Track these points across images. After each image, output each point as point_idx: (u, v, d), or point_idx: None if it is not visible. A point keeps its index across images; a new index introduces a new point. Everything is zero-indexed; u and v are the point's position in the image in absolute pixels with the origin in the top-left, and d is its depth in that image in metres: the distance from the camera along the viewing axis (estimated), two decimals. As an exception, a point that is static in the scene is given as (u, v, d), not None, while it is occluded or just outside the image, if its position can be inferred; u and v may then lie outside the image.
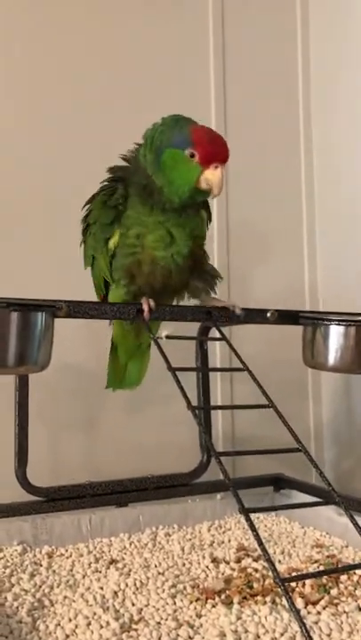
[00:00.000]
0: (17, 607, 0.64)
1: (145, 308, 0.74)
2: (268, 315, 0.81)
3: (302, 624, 0.45)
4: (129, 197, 0.78)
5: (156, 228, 0.77)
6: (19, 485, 0.86)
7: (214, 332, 0.93)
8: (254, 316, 0.82)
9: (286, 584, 0.50)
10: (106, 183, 0.82)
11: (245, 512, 0.53)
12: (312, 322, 0.81)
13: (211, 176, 0.73)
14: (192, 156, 0.73)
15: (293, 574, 0.70)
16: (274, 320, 0.81)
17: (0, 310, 0.59)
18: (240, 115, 1.30)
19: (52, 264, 1.06)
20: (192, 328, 0.91)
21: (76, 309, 0.71)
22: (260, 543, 0.51)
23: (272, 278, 1.30)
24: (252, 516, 0.93)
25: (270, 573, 0.72)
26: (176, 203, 0.76)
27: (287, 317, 0.84)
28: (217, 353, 1.21)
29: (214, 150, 0.73)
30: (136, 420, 1.14)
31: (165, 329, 0.77)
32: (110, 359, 0.91)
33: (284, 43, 1.38)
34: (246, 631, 0.58)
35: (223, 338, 0.76)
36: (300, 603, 0.64)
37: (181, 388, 0.65)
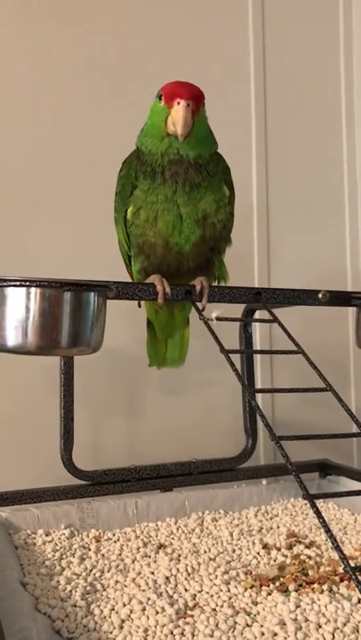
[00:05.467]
0: (70, 591, 0.63)
1: (158, 289, 0.71)
2: (320, 296, 0.78)
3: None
4: (138, 175, 0.75)
5: (164, 207, 0.73)
6: (63, 469, 0.85)
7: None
8: (305, 297, 0.79)
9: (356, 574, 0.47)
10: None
11: (310, 498, 0.51)
12: (367, 303, 0.78)
13: (174, 113, 0.68)
14: (160, 98, 0.71)
15: (351, 563, 0.68)
16: (325, 301, 0.79)
17: (53, 290, 0.58)
18: (279, 87, 1.27)
19: (86, 248, 1.06)
20: (235, 311, 0.89)
21: (125, 291, 0.70)
22: (328, 530, 0.49)
23: (312, 259, 1.27)
24: (300, 502, 0.93)
25: (324, 560, 0.71)
26: (159, 160, 0.72)
27: (339, 299, 0.81)
28: (257, 337, 1.18)
29: (177, 86, 0.69)
30: (177, 404, 1.12)
31: (215, 310, 0.74)
32: (148, 336, 0.90)
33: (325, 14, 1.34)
34: (307, 620, 0.57)
35: (275, 319, 0.73)
36: (359, 593, 0.61)
37: (236, 371, 0.63)
